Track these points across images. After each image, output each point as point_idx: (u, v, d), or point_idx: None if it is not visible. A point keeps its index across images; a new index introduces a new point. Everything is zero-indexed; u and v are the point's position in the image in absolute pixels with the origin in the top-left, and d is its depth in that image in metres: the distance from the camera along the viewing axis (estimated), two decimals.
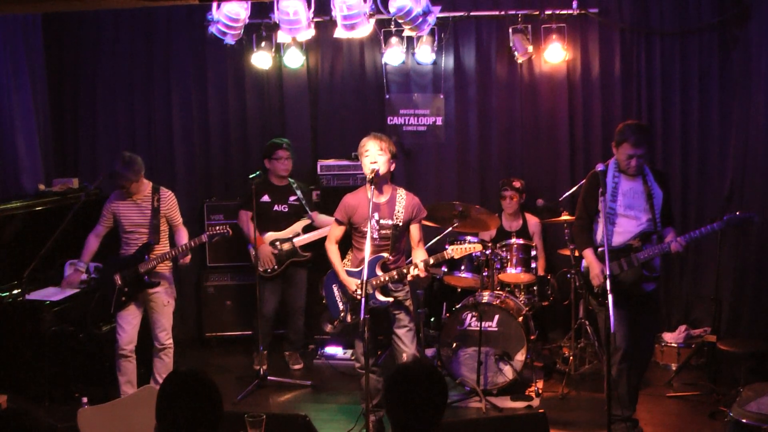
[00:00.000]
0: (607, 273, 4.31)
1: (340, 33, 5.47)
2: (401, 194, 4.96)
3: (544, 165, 7.12)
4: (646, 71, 6.84)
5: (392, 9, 5.48)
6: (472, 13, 7.00)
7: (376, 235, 4.84)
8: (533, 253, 6.15)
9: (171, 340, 5.59)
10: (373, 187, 4.82)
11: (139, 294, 5.43)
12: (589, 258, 4.88)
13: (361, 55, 7.23)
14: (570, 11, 6.81)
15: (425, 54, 6.85)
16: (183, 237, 5.59)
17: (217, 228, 5.46)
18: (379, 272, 4.85)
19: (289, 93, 7.32)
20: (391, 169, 4.94)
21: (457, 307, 5.92)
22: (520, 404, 5.63)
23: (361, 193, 4.97)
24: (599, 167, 4.80)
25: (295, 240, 6.39)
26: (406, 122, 7.25)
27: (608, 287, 4.25)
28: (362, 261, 4.74)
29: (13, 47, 6.52)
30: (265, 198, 6.35)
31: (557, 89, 6.99)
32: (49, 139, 7.11)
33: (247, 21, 5.99)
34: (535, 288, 6.25)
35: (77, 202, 6.08)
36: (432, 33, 6.76)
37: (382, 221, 4.87)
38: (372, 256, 4.75)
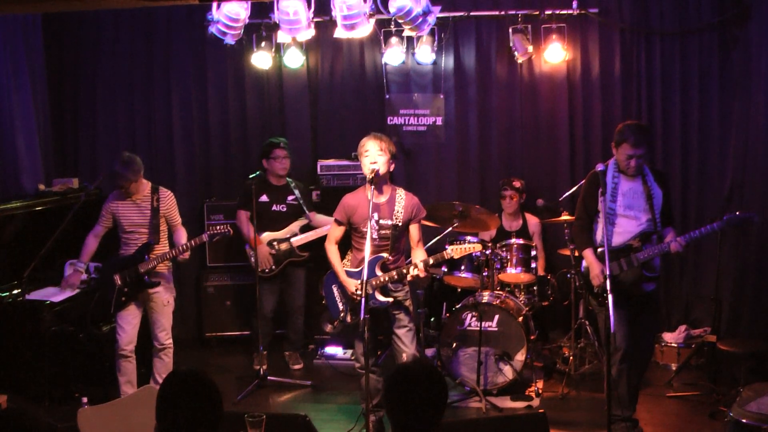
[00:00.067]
0: (607, 273, 4.31)
1: (340, 33, 5.47)
2: (401, 194, 4.95)
3: (544, 165, 7.12)
4: (646, 71, 6.84)
5: (392, 9, 5.48)
6: (472, 13, 7.00)
7: (375, 236, 4.84)
8: (533, 253, 6.15)
9: (171, 340, 5.59)
10: (372, 187, 4.81)
11: (139, 294, 5.43)
12: (589, 258, 4.88)
13: (361, 55, 7.23)
14: (570, 11, 6.81)
15: (425, 54, 6.85)
16: (182, 237, 5.58)
17: (218, 227, 5.45)
18: (378, 272, 4.84)
19: (289, 93, 7.32)
20: (391, 169, 4.93)
21: (457, 307, 5.92)
22: (520, 404, 5.63)
23: (361, 193, 4.96)
24: (599, 167, 4.80)
25: (292, 240, 6.39)
26: (406, 122, 7.25)
27: (608, 287, 4.25)
28: (362, 261, 4.74)
29: (13, 47, 6.52)
30: (264, 198, 6.35)
31: (557, 89, 6.99)
32: (49, 139, 7.11)
33: (247, 21, 5.99)
34: (535, 288, 6.25)
35: (77, 202, 6.07)
36: (432, 33, 6.75)
37: (381, 221, 4.87)
38: (372, 256, 4.74)
